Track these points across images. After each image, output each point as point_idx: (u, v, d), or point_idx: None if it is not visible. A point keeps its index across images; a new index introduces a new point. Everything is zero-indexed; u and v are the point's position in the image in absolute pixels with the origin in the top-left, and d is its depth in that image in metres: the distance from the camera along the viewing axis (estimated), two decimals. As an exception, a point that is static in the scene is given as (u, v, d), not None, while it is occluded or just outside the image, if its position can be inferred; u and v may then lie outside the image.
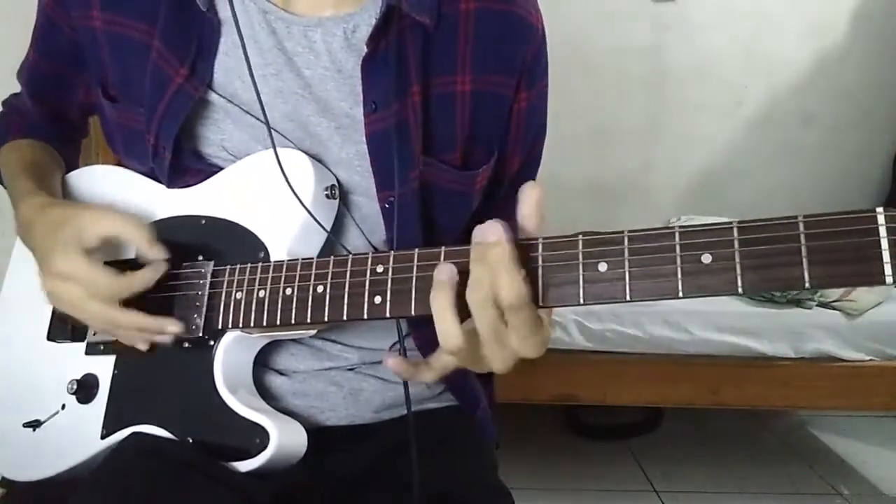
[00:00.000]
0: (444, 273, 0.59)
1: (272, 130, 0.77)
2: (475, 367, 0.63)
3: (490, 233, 0.57)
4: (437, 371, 0.65)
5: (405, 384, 0.79)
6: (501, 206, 0.90)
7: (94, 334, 0.82)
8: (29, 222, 0.80)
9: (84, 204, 0.86)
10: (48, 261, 0.75)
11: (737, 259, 0.52)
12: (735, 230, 0.52)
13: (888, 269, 0.47)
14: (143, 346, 0.77)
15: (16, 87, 0.98)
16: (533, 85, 0.85)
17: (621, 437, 2.56)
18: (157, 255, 0.76)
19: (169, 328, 0.74)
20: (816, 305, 2.10)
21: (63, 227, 0.75)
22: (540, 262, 0.58)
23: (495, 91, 0.83)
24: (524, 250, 0.58)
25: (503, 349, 0.59)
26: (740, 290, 0.51)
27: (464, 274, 0.58)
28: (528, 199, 0.59)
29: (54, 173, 0.92)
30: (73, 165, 0.98)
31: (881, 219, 0.48)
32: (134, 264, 0.78)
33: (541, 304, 0.57)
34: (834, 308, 2.09)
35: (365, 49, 0.78)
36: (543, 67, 0.87)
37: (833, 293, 2.09)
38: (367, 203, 0.82)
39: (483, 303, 0.57)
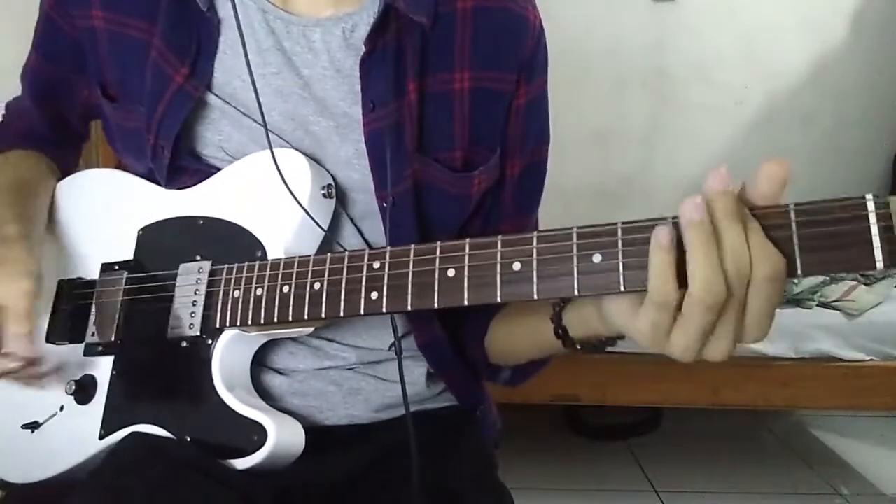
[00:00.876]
0: (665, 236, 0.52)
1: (269, 131, 0.78)
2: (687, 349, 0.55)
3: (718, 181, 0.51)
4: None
5: (402, 383, 0.79)
6: (508, 211, 0.90)
7: (93, 335, 0.82)
8: None
9: (14, 259, 0.78)
10: None
11: None
12: None
13: (878, 255, 0.48)
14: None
15: (15, 87, 0.98)
16: (532, 80, 0.85)
17: (621, 437, 2.56)
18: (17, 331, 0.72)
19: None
20: (816, 305, 2.10)
21: None
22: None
23: (494, 87, 0.83)
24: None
25: (735, 329, 0.53)
26: None
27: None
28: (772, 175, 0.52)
29: (38, 194, 0.89)
30: (70, 170, 0.98)
31: (870, 205, 0.48)
32: (132, 266, 0.79)
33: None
34: (834, 308, 2.08)
35: (363, 48, 0.78)
36: (542, 63, 0.87)
37: (833, 293, 2.09)
38: (365, 202, 0.82)
39: (744, 274, 0.51)
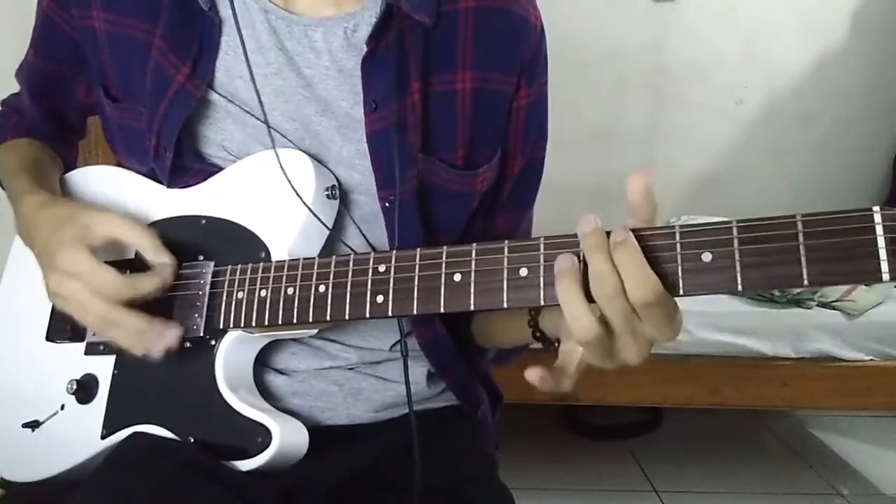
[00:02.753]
0: (566, 262, 0.56)
1: (271, 131, 0.78)
2: (608, 362, 0.60)
3: (587, 224, 0.56)
4: (575, 374, 0.63)
5: (406, 382, 0.79)
6: (505, 205, 0.90)
7: (94, 334, 0.82)
8: (30, 220, 0.80)
9: (86, 203, 0.86)
10: (53, 258, 0.74)
11: (737, 257, 0.52)
12: (735, 229, 0.53)
13: (885, 267, 0.48)
14: (138, 352, 0.75)
15: (15, 87, 0.98)
16: (532, 82, 0.85)
17: (621, 437, 2.56)
18: (163, 261, 0.75)
19: (169, 332, 0.73)
20: (816, 305, 2.10)
21: (67, 225, 0.75)
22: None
23: (495, 88, 0.83)
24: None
25: (637, 339, 0.57)
26: (740, 287, 0.52)
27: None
28: (637, 187, 0.55)
29: (53, 172, 0.92)
30: (71, 165, 0.98)
31: (877, 217, 0.48)
32: (134, 265, 0.78)
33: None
34: (834, 308, 2.08)
35: (365, 48, 0.78)
36: (542, 65, 0.87)
37: (833, 293, 2.09)
38: (367, 202, 0.82)
39: (612, 297, 0.55)
